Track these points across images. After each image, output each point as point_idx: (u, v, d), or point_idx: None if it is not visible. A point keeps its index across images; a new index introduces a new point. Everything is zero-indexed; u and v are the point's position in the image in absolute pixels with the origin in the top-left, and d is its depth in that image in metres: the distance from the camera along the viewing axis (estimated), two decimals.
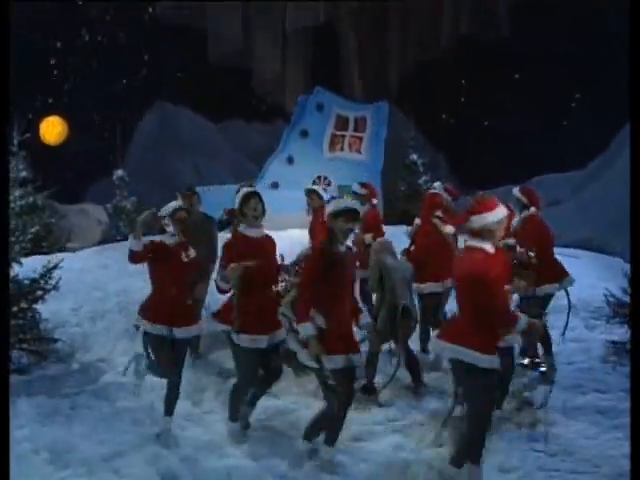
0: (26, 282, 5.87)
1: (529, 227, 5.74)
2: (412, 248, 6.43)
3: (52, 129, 15.85)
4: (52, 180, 13.56)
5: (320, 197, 7.18)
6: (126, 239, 11.09)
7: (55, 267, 6.02)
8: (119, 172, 10.85)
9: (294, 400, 5.13)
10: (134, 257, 4.60)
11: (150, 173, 16.56)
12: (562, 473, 3.97)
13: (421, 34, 18.39)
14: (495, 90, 20.13)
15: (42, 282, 5.95)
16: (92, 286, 7.80)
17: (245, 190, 4.61)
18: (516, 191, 6.02)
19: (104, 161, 16.75)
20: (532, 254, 5.23)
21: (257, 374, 4.47)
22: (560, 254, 6.10)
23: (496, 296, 3.57)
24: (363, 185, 7.32)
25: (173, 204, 4.81)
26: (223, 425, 4.64)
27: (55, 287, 5.92)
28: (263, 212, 4.50)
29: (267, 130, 17.63)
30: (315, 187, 7.79)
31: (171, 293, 4.59)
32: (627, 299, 6.37)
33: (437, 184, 6.81)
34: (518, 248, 5.42)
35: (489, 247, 3.68)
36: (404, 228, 10.59)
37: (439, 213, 6.29)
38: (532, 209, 5.86)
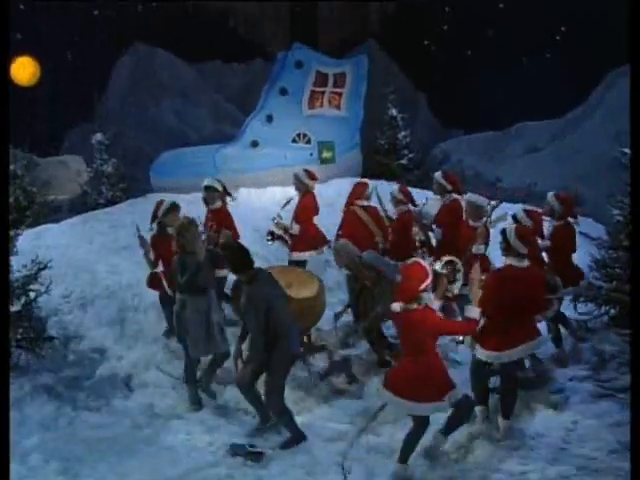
0: (17, 283, 6.09)
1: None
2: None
3: (23, 70, 15.38)
4: (27, 130, 13.37)
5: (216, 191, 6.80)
6: (107, 205, 11.25)
7: (45, 267, 6.24)
8: (98, 136, 10.74)
9: None
10: None
11: (129, 118, 16.30)
12: None
13: None
14: (478, 19, 19.66)
15: (33, 281, 6.18)
16: (80, 267, 7.94)
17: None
18: (438, 176, 6.76)
19: (80, 107, 16.42)
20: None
21: None
22: None
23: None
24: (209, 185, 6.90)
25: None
26: None
27: (47, 291, 6.16)
28: None
29: (246, 70, 17.26)
30: (211, 183, 6.86)
31: None
32: (592, 277, 6.80)
33: None
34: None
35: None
36: (383, 182, 10.96)
37: (364, 203, 6.86)
38: (454, 194, 6.65)
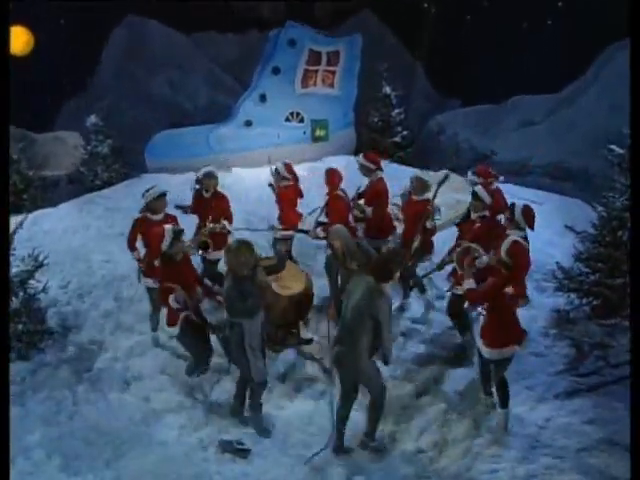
0: (16, 279, 6.25)
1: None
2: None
3: (17, 39, 15.23)
4: (22, 103, 13.28)
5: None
6: (104, 186, 11.29)
7: (42, 265, 6.39)
8: (92, 118, 10.74)
9: None
10: None
11: (123, 89, 16.16)
12: None
13: None
14: None
15: (31, 278, 6.35)
16: (77, 256, 8.09)
17: None
18: (361, 159, 6.94)
19: (74, 80, 16.25)
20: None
21: None
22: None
23: None
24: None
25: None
26: None
27: (44, 289, 6.33)
28: None
29: (241, 40, 17.02)
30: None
31: None
32: (576, 267, 6.96)
33: None
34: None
35: None
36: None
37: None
38: (379, 173, 6.90)
